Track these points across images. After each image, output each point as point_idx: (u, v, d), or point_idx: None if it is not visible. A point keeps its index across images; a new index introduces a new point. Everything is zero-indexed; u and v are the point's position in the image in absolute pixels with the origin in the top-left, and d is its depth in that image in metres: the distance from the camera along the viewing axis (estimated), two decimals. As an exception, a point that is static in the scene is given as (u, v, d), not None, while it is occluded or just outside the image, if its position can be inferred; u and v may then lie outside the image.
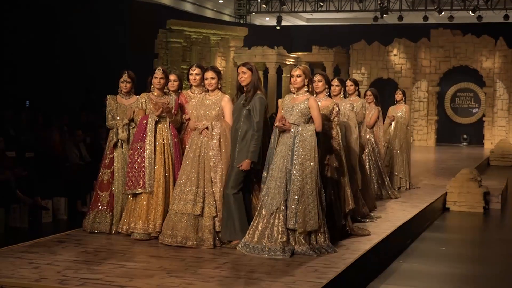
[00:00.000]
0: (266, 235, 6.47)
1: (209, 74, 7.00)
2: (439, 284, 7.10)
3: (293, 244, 6.51)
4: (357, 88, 9.78)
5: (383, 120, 11.43)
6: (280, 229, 6.46)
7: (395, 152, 11.79)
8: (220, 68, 24.74)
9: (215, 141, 6.86)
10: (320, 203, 6.56)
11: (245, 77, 6.88)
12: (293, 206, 6.46)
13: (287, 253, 6.40)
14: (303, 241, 6.50)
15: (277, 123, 6.72)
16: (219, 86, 7.06)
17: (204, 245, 6.72)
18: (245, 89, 6.92)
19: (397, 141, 11.83)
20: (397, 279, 7.12)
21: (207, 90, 7.07)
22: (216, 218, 6.81)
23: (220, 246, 6.78)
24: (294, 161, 6.50)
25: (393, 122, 11.89)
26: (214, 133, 6.87)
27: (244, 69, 6.90)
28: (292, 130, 6.59)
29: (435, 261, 8.08)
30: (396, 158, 11.78)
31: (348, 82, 9.69)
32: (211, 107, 6.96)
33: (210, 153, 6.86)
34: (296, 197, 6.46)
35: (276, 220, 6.49)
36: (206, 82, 7.02)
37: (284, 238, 6.45)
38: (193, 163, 6.90)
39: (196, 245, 6.71)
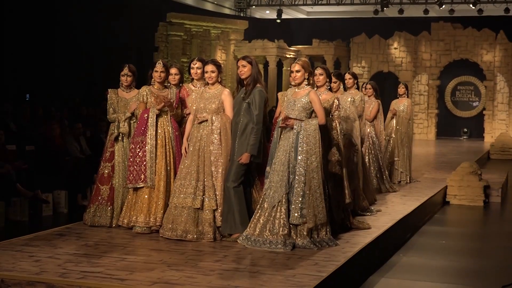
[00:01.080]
0: (267, 228, 6.49)
1: (209, 68, 6.99)
2: (439, 277, 7.10)
3: (294, 237, 6.53)
4: (356, 81, 9.77)
5: (384, 114, 11.42)
6: (282, 222, 6.48)
7: (396, 146, 11.78)
8: (220, 62, 24.80)
9: (215, 135, 6.86)
10: (325, 196, 6.59)
11: (244, 70, 6.87)
12: (300, 199, 6.46)
13: (288, 246, 6.42)
14: (305, 234, 6.51)
15: (280, 124, 6.70)
16: (219, 80, 7.05)
17: (204, 239, 6.73)
18: (245, 83, 6.92)
19: (398, 135, 11.83)
20: (397, 272, 7.12)
21: (207, 84, 7.07)
22: (216, 212, 6.82)
23: (220, 239, 6.79)
24: (299, 157, 6.51)
25: (395, 116, 11.89)
26: (214, 127, 6.87)
27: (243, 62, 6.89)
28: (295, 126, 6.59)
29: (435, 254, 8.08)
30: (397, 152, 11.78)
31: (347, 76, 9.66)
32: (211, 101, 6.96)
33: (211, 148, 6.86)
34: (301, 192, 6.47)
35: (278, 213, 6.50)
36: (206, 75, 7.01)
37: (286, 231, 6.46)
38: (193, 156, 6.90)
39: (196, 238, 6.72)
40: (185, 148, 7.03)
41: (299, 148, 6.52)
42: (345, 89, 9.07)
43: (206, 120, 6.90)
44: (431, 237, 9.12)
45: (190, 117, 7.17)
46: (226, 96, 6.96)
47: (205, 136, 6.89)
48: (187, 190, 6.83)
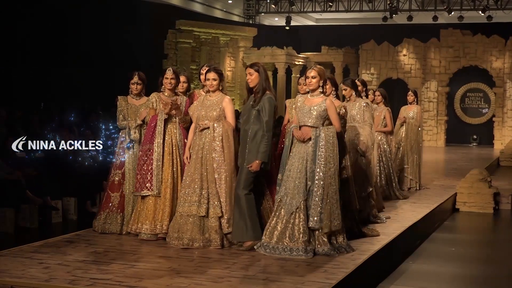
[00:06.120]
0: (287, 235, 6.49)
1: (211, 75, 7.00)
2: (449, 285, 7.08)
3: (314, 244, 6.52)
4: (364, 89, 9.72)
5: (393, 121, 11.39)
6: (302, 229, 6.48)
7: (405, 153, 11.76)
8: (229, 69, 24.90)
9: (217, 142, 6.85)
10: (340, 203, 6.60)
11: (252, 78, 6.87)
12: (319, 203, 6.46)
13: (310, 253, 6.42)
14: (326, 241, 6.51)
15: (296, 136, 6.69)
16: (221, 88, 7.06)
17: (211, 246, 6.73)
18: (254, 90, 6.92)
19: (408, 142, 11.81)
20: (407, 280, 7.11)
21: (208, 91, 7.08)
22: (222, 219, 6.81)
23: (228, 246, 6.78)
24: (318, 163, 6.51)
25: (404, 123, 11.86)
26: (216, 134, 6.86)
27: (251, 70, 6.89)
28: (312, 134, 6.58)
29: (445, 261, 8.06)
30: (406, 159, 11.76)
31: (357, 83, 9.63)
32: (212, 108, 6.95)
33: (213, 155, 6.85)
34: (320, 197, 6.48)
35: (297, 220, 6.50)
36: (207, 82, 7.02)
37: (306, 237, 6.46)
38: (196, 164, 6.90)
39: (203, 246, 6.71)
40: (187, 158, 7.05)
41: (318, 155, 6.53)
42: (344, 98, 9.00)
43: (208, 128, 6.91)
44: (440, 244, 9.10)
45: (192, 126, 7.16)
46: (227, 104, 6.96)
47: (207, 143, 6.88)
48: (191, 198, 6.83)
